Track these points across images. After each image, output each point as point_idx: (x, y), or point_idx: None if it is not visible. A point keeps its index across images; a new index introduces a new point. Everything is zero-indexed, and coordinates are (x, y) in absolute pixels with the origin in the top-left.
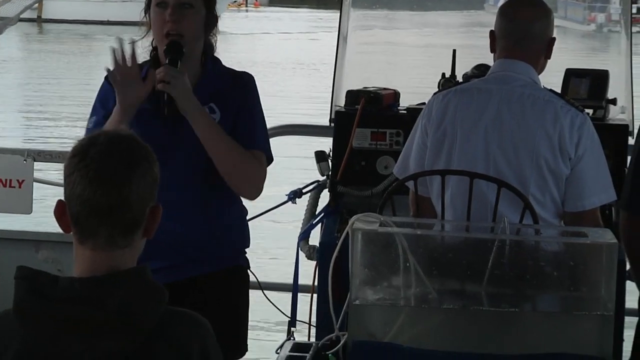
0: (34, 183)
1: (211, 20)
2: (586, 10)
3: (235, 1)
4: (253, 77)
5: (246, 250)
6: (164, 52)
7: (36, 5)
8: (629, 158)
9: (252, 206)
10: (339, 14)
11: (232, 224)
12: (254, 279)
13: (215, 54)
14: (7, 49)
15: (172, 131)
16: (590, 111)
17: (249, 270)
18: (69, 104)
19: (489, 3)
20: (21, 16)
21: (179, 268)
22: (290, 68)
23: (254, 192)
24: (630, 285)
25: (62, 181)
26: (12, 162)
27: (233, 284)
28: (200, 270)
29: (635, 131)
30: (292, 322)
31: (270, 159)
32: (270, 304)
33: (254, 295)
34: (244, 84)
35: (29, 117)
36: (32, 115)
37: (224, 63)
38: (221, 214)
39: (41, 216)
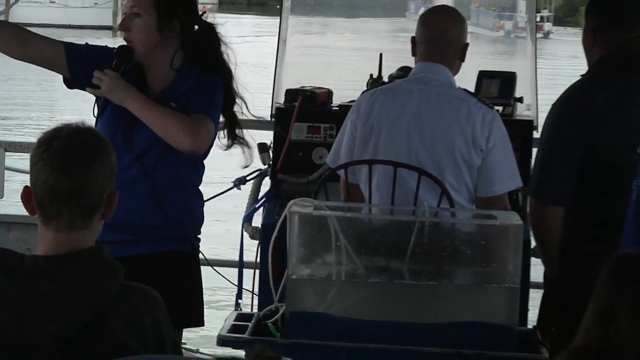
0: (5, 171)
1: (169, 24)
2: (496, 18)
3: None
4: (217, 81)
5: (197, 234)
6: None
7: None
8: (534, 150)
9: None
10: (279, 20)
11: (184, 209)
12: (207, 259)
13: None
14: None
15: (126, 122)
16: (500, 108)
17: (201, 252)
18: (33, 103)
19: (410, 11)
20: None
21: (125, 245)
22: (234, 67)
23: (192, 145)
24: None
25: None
26: None
27: (179, 264)
28: (148, 249)
29: (540, 126)
30: (239, 294)
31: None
32: (222, 279)
33: (208, 272)
34: (206, 84)
35: None
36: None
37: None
38: (172, 200)
39: (12, 200)
